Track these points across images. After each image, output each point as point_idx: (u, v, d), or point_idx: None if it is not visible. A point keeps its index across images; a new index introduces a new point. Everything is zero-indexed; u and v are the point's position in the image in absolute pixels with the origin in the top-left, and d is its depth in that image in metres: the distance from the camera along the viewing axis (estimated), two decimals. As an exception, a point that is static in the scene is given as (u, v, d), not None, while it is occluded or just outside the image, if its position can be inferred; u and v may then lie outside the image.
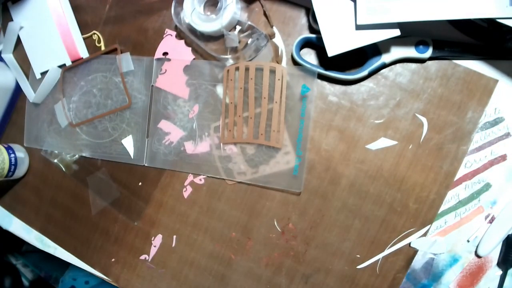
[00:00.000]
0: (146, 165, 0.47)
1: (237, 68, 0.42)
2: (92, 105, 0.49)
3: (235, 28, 0.43)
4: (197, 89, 0.45)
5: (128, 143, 0.47)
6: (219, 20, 0.41)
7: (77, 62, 0.49)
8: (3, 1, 0.51)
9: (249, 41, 0.42)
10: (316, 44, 0.41)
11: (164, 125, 0.46)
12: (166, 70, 0.46)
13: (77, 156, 0.50)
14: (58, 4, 0.48)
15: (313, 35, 0.40)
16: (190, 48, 0.45)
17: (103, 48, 0.48)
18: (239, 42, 0.42)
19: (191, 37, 0.43)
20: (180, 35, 0.46)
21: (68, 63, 0.49)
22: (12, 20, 0.51)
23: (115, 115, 0.48)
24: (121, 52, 0.46)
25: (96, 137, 0.48)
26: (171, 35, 0.46)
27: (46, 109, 0.51)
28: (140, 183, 0.48)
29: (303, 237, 0.43)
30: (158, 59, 0.46)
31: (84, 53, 0.48)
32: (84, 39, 0.49)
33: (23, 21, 0.50)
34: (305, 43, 0.42)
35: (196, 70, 0.45)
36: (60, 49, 0.48)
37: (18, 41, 0.51)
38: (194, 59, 0.45)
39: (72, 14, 0.48)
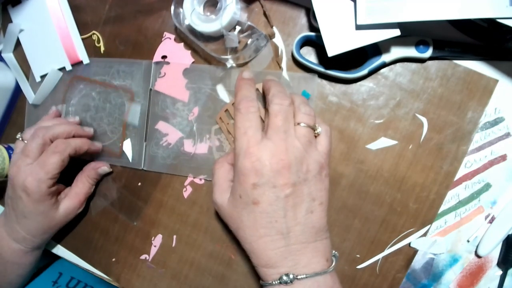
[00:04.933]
0: (144, 169, 0.47)
1: (226, 110, 0.43)
2: (91, 108, 0.49)
3: (234, 28, 0.43)
4: (196, 92, 0.45)
5: (127, 146, 0.47)
6: (219, 21, 0.41)
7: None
8: (3, 1, 0.51)
9: (249, 41, 0.42)
10: (316, 42, 0.41)
11: (162, 127, 0.46)
12: (165, 74, 0.46)
13: None
14: (58, 7, 0.48)
15: (313, 33, 0.40)
16: (189, 51, 0.45)
17: (102, 48, 0.48)
18: (239, 42, 0.42)
19: (191, 37, 0.43)
20: (179, 38, 0.46)
21: (68, 66, 0.49)
22: (11, 21, 0.50)
23: (114, 118, 0.48)
24: (133, 100, 0.46)
25: (95, 140, 0.48)
26: (170, 38, 0.46)
27: (46, 110, 0.51)
28: (139, 183, 0.48)
29: (303, 237, 0.43)
30: (157, 63, 0.46)
31: (83, 57, 0.48)
32: (84, 39, 0.49)
33: (23, 23, 0.50)
34: (305, 42, 0.42)
35: (195, 74, 0.45)
36: (59, 52, 0.48)
37: (18, 42, 0.51)
38: (193, 62, 0.45)
39: (72, 17, 0.48)
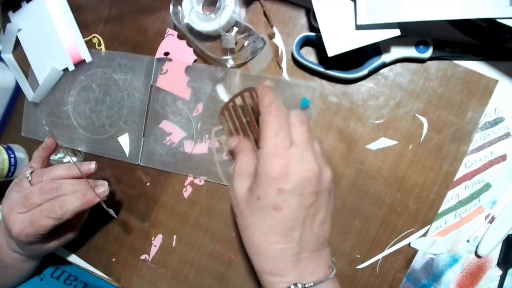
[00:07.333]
0: (141, 164, 0.47)
1: (232, 106, 0.41)
2: (91, 100, 0.48)
3: (232, 29, 0.43)
4: (197, 92, 0.45)
5: (124, 141, 0.47)
6: (217, 20, 0.41)
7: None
8: (3, 1, 0.51)
9: (246, 43, 0.42)
10: (316, 42, 0.41)
11: (162, 125, 0.46)
12: (167, 70, 0.46)
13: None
14: (58, 8, 0.48)
15: (313, 33, 0.40)
16: (192, 49, 0.45)
17: (103, 51, 0.48)
18: (236, 43, 0.42)
19: (189, 36, 0.43)
20: (181, 35, 0.45)
21: (71, 67, 0.48)
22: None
23: (113, 112, 0.48)
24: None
25: (93, 132, 0.48)
26: (173, 35, 0.46)
27: (45, 101, 0.51)
28: (141, 184, 0.48)
29: (303, 237, 0.43)
30: (159, 59, 0.46)
31: (86, 55, 0.48)
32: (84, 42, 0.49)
33: (24, 27, 0.50)
34: (305, 42, 0.42)
35: (197, 73, 0.45)
36: (62, 54, 0.48)
37: (19, 44, 0.51)
38: (195, 60, 0.45)
39: (72, 17, 0.48)
